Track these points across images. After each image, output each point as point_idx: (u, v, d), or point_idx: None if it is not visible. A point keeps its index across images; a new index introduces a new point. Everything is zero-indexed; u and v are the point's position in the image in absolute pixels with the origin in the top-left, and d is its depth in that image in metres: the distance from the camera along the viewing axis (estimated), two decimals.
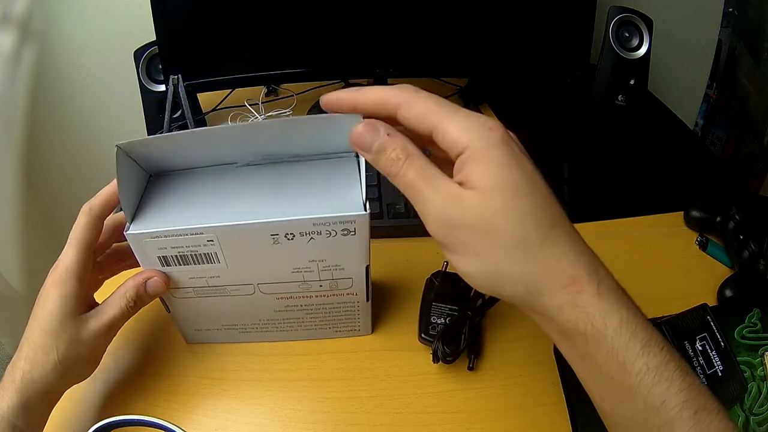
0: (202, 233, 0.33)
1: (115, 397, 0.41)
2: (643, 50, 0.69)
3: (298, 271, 0.36)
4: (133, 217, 0.34)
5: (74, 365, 0.35)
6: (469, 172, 0.27)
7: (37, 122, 0.79)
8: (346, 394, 0.41)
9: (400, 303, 0.46)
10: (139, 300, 0.36)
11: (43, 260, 0.45)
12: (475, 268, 0.28)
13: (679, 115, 0.73)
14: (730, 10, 0.84)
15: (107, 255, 0.40)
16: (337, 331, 0.43)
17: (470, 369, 0.42)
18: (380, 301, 0.47)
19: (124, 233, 0.33)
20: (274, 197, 0.34)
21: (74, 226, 0.36)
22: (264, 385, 0.41)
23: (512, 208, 0.26)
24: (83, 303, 0.36)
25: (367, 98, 0.29)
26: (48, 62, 0.79)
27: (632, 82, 0.70)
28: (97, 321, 0.36)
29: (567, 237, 0.28)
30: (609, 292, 0.28)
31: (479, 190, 0.26)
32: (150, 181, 0.37)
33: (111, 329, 0.37)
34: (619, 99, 0.71)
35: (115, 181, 0.35)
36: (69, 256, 0.35)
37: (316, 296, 0.39)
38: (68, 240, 0.36)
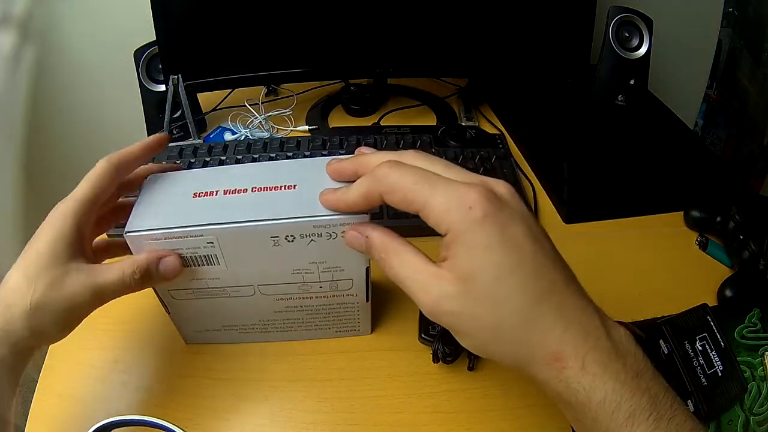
0: (202, 235, 0.32)
1: (115, 397, 0.41)
2: (643, 50, 0.69)
3: (298, 273, 0.36)
4: (130, 216, 0.33)
5: (46, 318, 0.30)
6: (452, 255, 0.27)
7: (37, 122, 0.79)
8: (346, 394, 0.41)
9: (400, 303, 0.46)
10: (146, 275, 0.33)
11: None
12: (468, 344, 0.29)
13: (679, 115, 0.73)
14: (730, 10, 0.84)
15: (111, 209, 0.38)
16: (336, 331, 0.43)
17: (470, 369, 0.42)
18: (380, 301, 0.47)
19: (124, 234, 0.32)
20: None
21: (91, 170, 0.34)
22: (264, 385, 0.41)
23: (492, 294, 0.26)
24: (77, 250, 0.32)
25: (352, 201, 0.31)
26: (48, 62, 0.79)
27: (632, 82, 0.70)
28: (88, 276, 0.31)
29: (556, 309, 0.27)
30: (595, 364, 0.27)
31: (460, 276, 0.27)
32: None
33: (101, 294, 0.32)
34: (619, 99, 0.71)
35: (141, 142, 0.36)
36: (75, 199, 0.32)
37: (317, 297, 0.39)
38: (81, 182, 0.33)
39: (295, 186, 0.34)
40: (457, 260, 0.27)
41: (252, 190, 0.34)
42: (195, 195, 0.34)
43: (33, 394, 0.41)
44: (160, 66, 0.65)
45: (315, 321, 0.42)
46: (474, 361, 0.42)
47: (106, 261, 0.35)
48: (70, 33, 0.79)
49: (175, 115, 0.66)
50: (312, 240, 0.33)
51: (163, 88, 0.66)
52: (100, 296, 0.32)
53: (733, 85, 0.87)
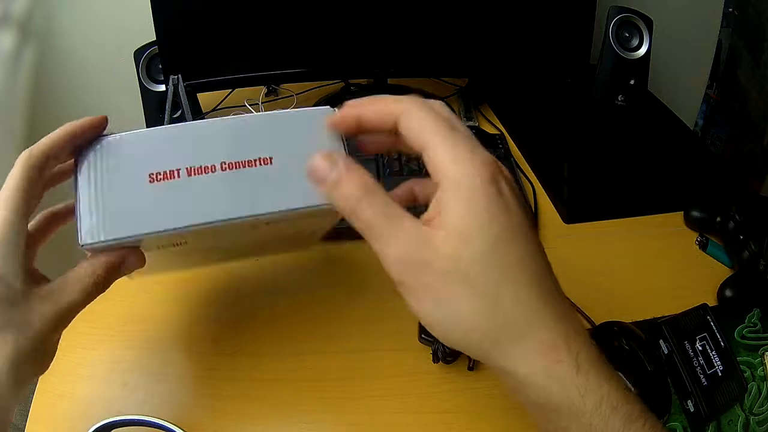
0: (171, 235, 0.28)
1: (115, 397, 0.41)
2: (643, 50, 0.69)
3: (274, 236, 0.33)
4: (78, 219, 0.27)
5: (26, 366, 0.27)
6: (447, 209, 0.24)
7: (37, 122, 0.79)
8: (346, 394, 0.41)
9: (400, 303, 0.46)
10: (108, 280, 0.29)
11: (44, 260, 0.45)
12: (433, 312, 0.25)
13: (679, 115, 0.73)
14: (730, 10, 0.84)
15: (41, 218, 0.33)
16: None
17: (470, 369, 0.42)
18: (380, 301, 0.47)
19: (80, 246, 0.27)
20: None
21: (7, 178, 0.28)
22: (264, 385, 0.41)
23: (489, 260, 0.24)
24: (28, 276, 0.28)
25: (371, 109, 0.27)
26: (48, 62, 0.79)
27: (632, 82, 0.70)
28: (52, 305, 0.27)
29: (546, 297, 0.26)
30: (589, 364, 0.25)
31: (455, 232, 0.24)
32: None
33: (68, 318, 0.29)
34: (619, 99, 0.71)
35: (65, 126, 0.30)
36: (5, 221, 0.27)
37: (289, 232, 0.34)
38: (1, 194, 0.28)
39: (271, 160, 0.29)
40: (455, 216, 0.24)
41: (221, 168, 0.28)
42: (152, 178, 0.28)
43: (33, 394, 0.41)
44: (160, 66, 0.65)
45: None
46: (474, 361, 0.42)
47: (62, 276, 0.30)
48: (70, 33, 0.79)
49: (175, 115, 0.66)
50: (295, 221, 0.31)
51: (163, 88, 0.66)
52: (67, 320, 0.29)
53: (733, 85, 0.87)
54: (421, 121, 0.26)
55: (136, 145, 0.30)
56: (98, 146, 0.29)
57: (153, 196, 0.27)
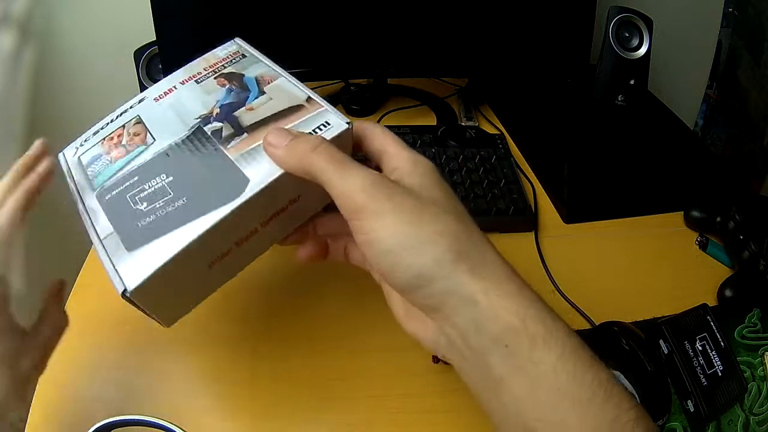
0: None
1: (115, 397, 0.41)
2: (643, 50, 0.69)
3: None
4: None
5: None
6: (406, 176, 0.27)
7: (37, 122, 0.79)
8: (346, 394, 0.41)
9: None
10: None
11: (44, 260, 0.45)
12: (400, 228, 0.25)
13: (679, 115, 0.73)
14: (730, 10, 0.84)
15: None
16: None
17: None
18: (380, 301, 0.47)
19: (136, 287, 0.26)
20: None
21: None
22: (264, 384, 0.41)
23: (449, 197, 0.27)
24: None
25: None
26: (48, 62, 0.79)
27: (632, 82, 0.70)
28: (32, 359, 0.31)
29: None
30: (549, 305, 0.25)
31: (415, 182, 0.27)
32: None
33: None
34: (619, 99, 0.71)
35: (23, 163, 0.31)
36: None
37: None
38: None
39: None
40: (412, 178, 0.27)
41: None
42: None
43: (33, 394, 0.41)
44: (160, 66, 0.65)
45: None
46: None
47: None
48: (70, 33, 0.79)
49: None
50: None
51: None
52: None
53: (733, 85, 0.87)
54: (383, 132, 0.30)
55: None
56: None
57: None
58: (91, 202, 0.29)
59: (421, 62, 0.71)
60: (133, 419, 0.37)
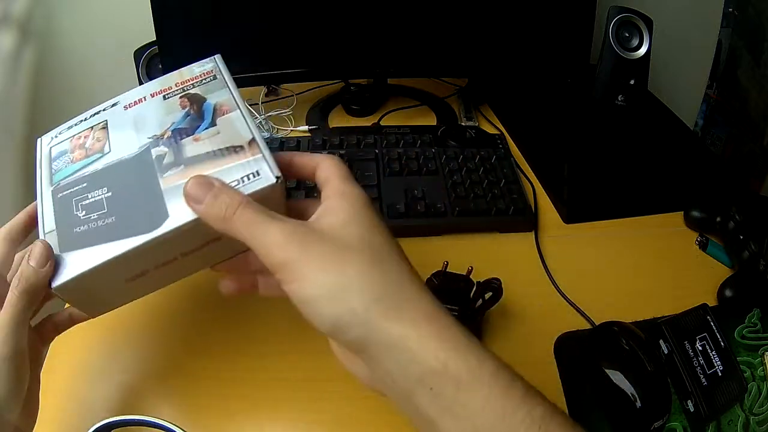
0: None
1: (115, 397, 0.41)
2: (643, 50, 0.69)
3: None
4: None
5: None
6: (333, 207, 0.28)
7: (37, 122, 0.79)
8: (346, 393, 0.41)
9: None
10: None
11: None
12: (321, 281, 0.25)
13: (679, 115, 0.73)
14: (730, 10, 0.84)
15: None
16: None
17: None
18: None
19: (57, 285, 0.28)
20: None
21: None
22: (264, 384, 0.41)
23: (372, 237, 0.27)
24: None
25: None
26: (48, 62, 0.79)
27: (632, 82, 0.70)
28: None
29: (418, 278, 0.28)
30: (478, 341, 0.25)
31: (340, 217, 0.27)
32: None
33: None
34: (619, 99, 0.71)
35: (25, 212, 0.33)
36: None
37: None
38: None
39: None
40: (338, 210, 0.28)
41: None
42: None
43: None
44: (160, 66, 0.65)
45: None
46: None
47: None
48: (70, 33, 0.79)
49: None
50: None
51: None
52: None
53: (733, 85, 0.87)
54: (331, 163, 0.30)
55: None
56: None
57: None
58: (47, 195, 0.31)
59: (421, 62, 0.71)
60: (133, 419, 0.37)
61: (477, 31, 0.68)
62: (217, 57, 0.36)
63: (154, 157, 0.31)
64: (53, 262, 0.28)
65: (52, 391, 0.41)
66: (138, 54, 0.66)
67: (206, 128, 0.31)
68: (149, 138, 0.31)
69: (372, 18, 0.65)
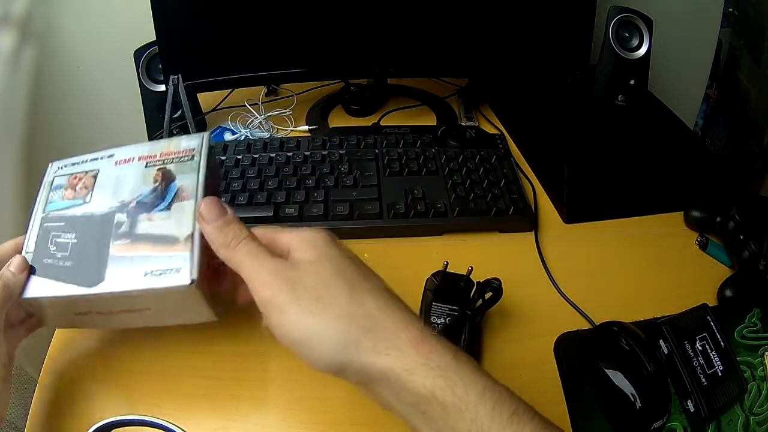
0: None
1: (115, 397, 0.41)
2: (643, 50, 0.69)
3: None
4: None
5: None
6: (300, 252, 0.30)
7: (37, 122, 0.79)
8: (346, 394, 0.41)
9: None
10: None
11: None
12: (305, 324, 0.27)
13: (679, 115, 0.73)
14: (730, 10, 0.84)
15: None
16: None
17: None
18: None
19: (22, 298, 0.33)
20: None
21: None
22: (264, 385, 0.41)
23: (343, 274, 0.29)
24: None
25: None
26: (48, 62, 0.79)
27: (632, 82, 0.70)
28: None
29: (399, 302, 0.29)
30: (467, 358, 0.26)
31: (311, 260, 0.29)
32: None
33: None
34: (619, 99, 0.71)
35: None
36: None
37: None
38: None
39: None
40: (305, 253, 0.30)
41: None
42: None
43: (33, 394, 0.41)
44: (160, 66, 0.65)
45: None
46: None
47: None
48: (70, 33, 0.79)
49: (175, 115, 0.66)
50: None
51: (163, 88, 0.66)
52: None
53: (733, 85, 0.87)
54: (274, 228, 0.33)
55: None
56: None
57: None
58: (38, 219, 0.36)
59: (421, 62, 0.71)
60: (133, 419, 0.37)
61: (477, 31, 0.68)
62: (206, 135, 0.38)
63: (115, 222, 0.35)
64: (28, 272, 0.34)
65: (52, 391, 0.41)
66: (138, 54, 0.66)
67: (162, 210, 0.34)
68: (119, 203, 0.35)
69: (372, 18, 0.65)
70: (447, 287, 0.44)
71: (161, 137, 0.65)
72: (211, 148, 0.38)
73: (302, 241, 0.30)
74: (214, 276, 0.35)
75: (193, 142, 0.38)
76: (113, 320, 0.36)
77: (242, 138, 0.69)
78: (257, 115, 0.72)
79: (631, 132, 0.68)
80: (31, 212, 0.37)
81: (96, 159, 0.38)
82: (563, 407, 0.40)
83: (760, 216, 0.52)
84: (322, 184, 0.57)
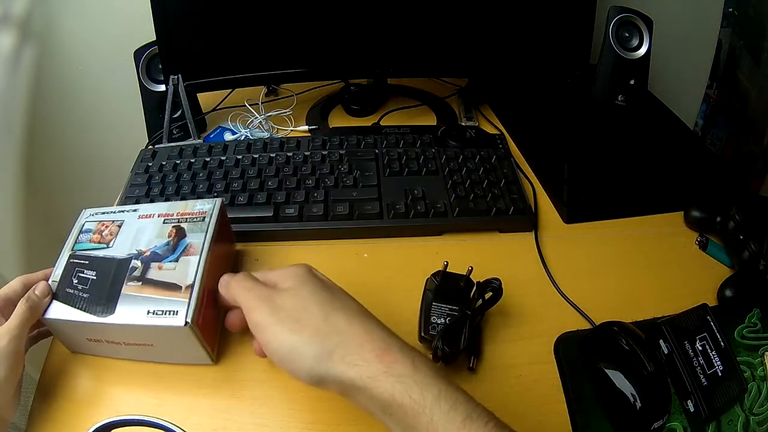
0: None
1: (115, 397, 0.41)
2: (643, 50, 0.69)
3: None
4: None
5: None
6: (280, 285, 0.36)
7: (37, 122, 0.79)
8: None
9: (400, 303, 0.46)
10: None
11: (44, 260, 0.45)
12: (288, 341, 0.32)
13: (679, 115, 0.73)
14: (730, 10, 0.84)
15: None
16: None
17: (470, 369, 0.42)
18: (381, 301, 0.47)
19: (44, 318, 0.39)
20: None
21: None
22: (264, 385, 0.41)
23: (318, 298, 0.34)
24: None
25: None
26: (48, 62, 0.79)
27: (632, 82, 0.70)
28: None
29: (372, 322, 0.33)
30: (425, 365, 0.30)
31: (290, 288, 0.35)
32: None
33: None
34: (619, 99, 0.71)
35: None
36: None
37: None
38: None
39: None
40: (287, 284, 0.36)
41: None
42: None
43: (33, 394, 0.41)
44: (160, 66, 0.65)
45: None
46: (474, 361, 0.42)
47: None
48: (70, 33, 0.79)
49: (175, 115, 0.66)
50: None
51: (163, 88, 0.66)
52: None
53: (733, 85, 0.87)
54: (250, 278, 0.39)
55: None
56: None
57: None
58: (66, 254, 0.42)
59: (421, 62, 0.71)
60: (133, 419, 0.37)
61: (477, 31, 0.68)
62: (218, 201, 0.46)
63: (130, 266, 0.41)
64: (51, 297, 0.39)
65: (52, 391, 0.41)
66: (138, 54, 0.66)
67: (171, 261, 0.41)
68: (136, 251, 0.42)
69: (372, 18, 0.65)
70: (447, 287, 0.44)
71: (161, 137, 0.65)
72: (222, 207, 0.46)
73: (285, 274, 0.36)
74: (215, 325, 0.42)
75: (206, 206, 0.45)
76: (121, 351, 0.41)
77: (242, 138, 0.69)
78: (257, 115, 0.72)
79: (631, 132, 0.68)
80: (61, 249, 0.43)
81: (123, 211, 0.45)
82: (563, 407, 0.40)
83: (760, 216, 0.52)
84: (322, 184, 0.57)
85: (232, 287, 0.37)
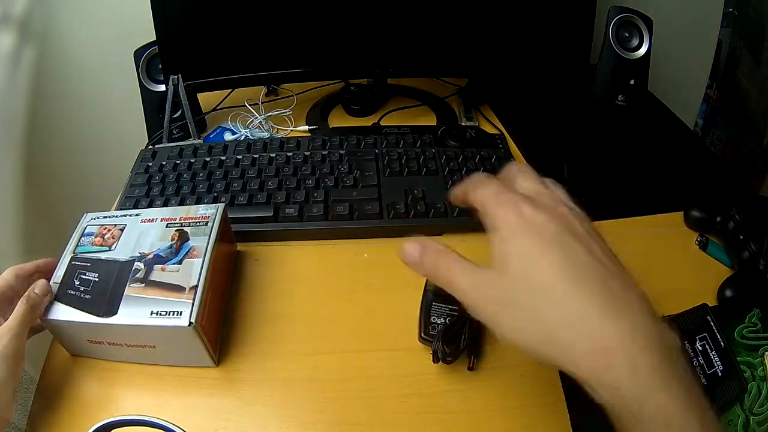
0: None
1: (115, 397, 0.41)
2: (643, 50, 0.70)
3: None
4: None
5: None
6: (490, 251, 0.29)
7: (37, 122, 0.79)
8: (346, 394, 0.41)
9: (400, 303, 0.46)
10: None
11: (44, 258, 0.45)
12: (506, 334, 0.28)
13: (679, 115, 0.73)
14: (730, 10, 0.84)
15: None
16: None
17: (470, 369, 0.42)
18: (380, 301, 0.47)
19: (45, 318, 0.39)
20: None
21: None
22: (264, 385, 0.41)
23: (527, 276, 0.27)
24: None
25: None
26: (48, 62, 0.79)
27: (632, 82, 0.70)
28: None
29: (597, 296, 0.27)
30: (650, 368, 0.25)
31: (494, 264, 0.29)
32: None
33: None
34: (619, 99, 0.71)
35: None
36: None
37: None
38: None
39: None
40: (492, 250, 0.29)
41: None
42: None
43: (33, 394, 0.41)
44: (160, 66, 0.65)
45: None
46: (474, 361, 0.42)
47: None
48: (70, 33, 0.79)
49: (175, 115, 0.66)
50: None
51: (163, 88, 0.66)
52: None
53: (733, 85, 0.87)
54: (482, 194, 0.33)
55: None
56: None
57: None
58: (67, 257, 0.42)
59: (421, 62, 0.71)
60: (133, 419, 0.37)
61: (477, 32, 0.68)
62: (221, 206, 0.46)
63: (133, 267, 0.41)
64: (51, 296, 0.39)
65: (52, 391, 0.41)
66: (138, 54, 0.66)
67: (174, 263, 0.41)
68: (139, 253, 0.42)
69: (372, 18, 0.65)
70: None
71: (161, 137, 0.65)
72: (225, 212, 0.46)
73: (497, 242, 0.30)
74: (217, 327, 0.43)
75: (210, 210, 0.45)
76: (123, 354, 0.41)
77: (242, 138, 0.69)
78: (257, 115, 0.72)
79: (631, 132, 0.68)
80: (62, 251, 0.43)
81: (125, 215, 0.45)
82: (563, 407, 0.40)
83: (760, 216, 0.52)
84: (322, 184, 0.57)
85: (437, 270, 0.32)
